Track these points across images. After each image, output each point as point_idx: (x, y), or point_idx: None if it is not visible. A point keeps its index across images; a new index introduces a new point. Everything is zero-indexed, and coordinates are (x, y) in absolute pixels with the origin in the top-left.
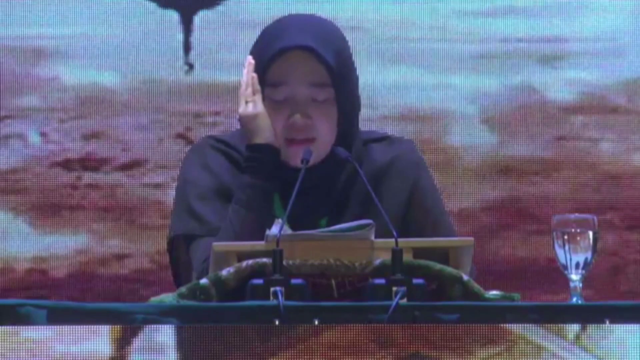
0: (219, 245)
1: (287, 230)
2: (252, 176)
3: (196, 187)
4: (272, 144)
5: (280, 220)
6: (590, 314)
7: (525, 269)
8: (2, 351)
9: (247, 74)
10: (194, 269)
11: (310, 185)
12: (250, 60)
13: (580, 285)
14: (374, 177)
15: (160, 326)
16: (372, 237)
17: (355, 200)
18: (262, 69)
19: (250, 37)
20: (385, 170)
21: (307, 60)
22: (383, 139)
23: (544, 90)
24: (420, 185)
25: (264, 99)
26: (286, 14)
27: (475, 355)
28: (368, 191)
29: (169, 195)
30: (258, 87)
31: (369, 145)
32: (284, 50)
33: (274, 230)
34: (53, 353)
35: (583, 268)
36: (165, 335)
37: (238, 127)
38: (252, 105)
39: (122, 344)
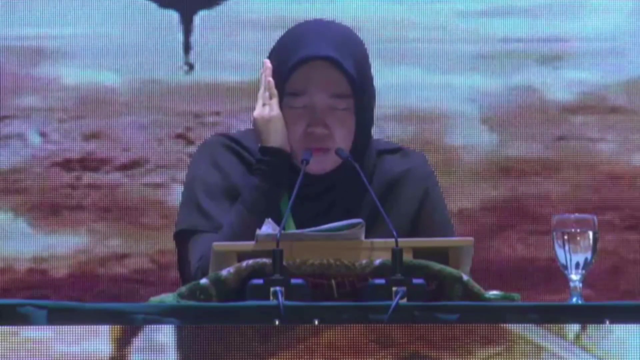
0: (219, 245)
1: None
2: (260, 179)
3: (205, 184)
4: (283, 149)
5: (270, 220)
6: (590, 314)
7: (525, 269)
8: (2, 351)
9: (264, 77)
10: (191, 265)
11: (322, 191)
12: (267, 64)
13: (580, 285)
14: (387, 187)
15: (160, 326)
16: (362, 237)
17: (366, 207)
18: (282, 78)
19: (250, 37)
20: (399, 180)
21: (328, 70)
22: (396, 150)
23: (544, 90)
24: (431, 197)
25: (283, 106)
26: (306, 20)
27: (475, 355)
28: (379, 198)
29: (169, 195)
30: (274, 91)
31: (382, 156)
32: (305, 60)
33: (264, 230)
34: (53, 353)
35: (583, 268)
36: (165, 335)
37: (238, 127)
38: (268, 108)
39: (122, 344)
